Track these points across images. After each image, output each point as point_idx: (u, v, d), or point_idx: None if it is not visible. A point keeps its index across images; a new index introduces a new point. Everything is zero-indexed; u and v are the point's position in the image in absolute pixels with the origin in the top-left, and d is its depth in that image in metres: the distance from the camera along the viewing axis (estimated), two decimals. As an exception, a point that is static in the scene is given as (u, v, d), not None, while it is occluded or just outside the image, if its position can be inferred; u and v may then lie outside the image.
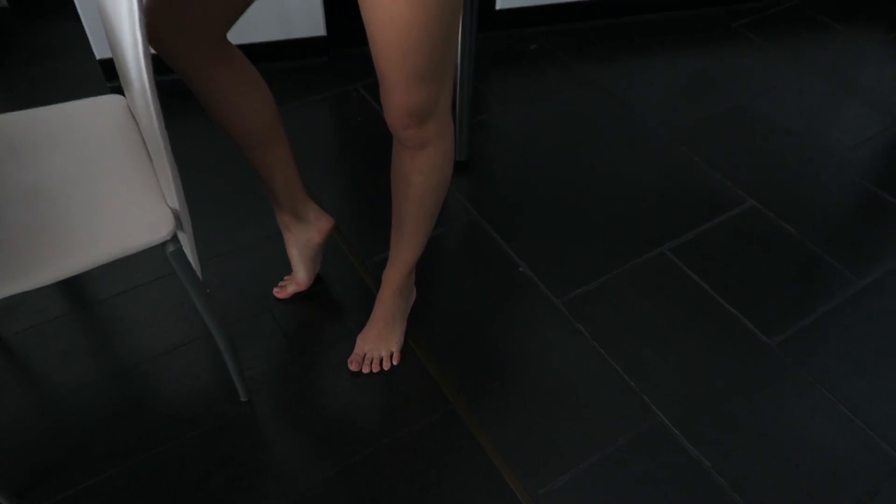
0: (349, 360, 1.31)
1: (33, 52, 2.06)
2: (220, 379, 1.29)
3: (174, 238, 0.93)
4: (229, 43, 1.03)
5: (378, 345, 1.32)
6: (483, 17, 2.15)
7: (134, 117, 1.08)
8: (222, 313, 1.38)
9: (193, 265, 1.02)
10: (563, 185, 1.69)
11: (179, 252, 0.94)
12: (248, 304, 1.41)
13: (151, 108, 0.81)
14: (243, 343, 1.35)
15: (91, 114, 1.09)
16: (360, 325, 1.36)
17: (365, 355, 1.31)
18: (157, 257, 1.31)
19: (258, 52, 1.98)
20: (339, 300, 1.43)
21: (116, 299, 1.42)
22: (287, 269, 1.44)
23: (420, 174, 1.08)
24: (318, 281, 1.45)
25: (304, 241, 1.35)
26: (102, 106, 1.11)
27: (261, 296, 1.43)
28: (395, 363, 1.32)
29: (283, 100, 1.92)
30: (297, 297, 1.43)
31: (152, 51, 0.82)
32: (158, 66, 0.87)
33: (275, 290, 1.42)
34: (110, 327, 1.38)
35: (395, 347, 1.32)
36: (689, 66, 2.08)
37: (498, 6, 2.16)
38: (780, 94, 1.98)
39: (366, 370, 1.30)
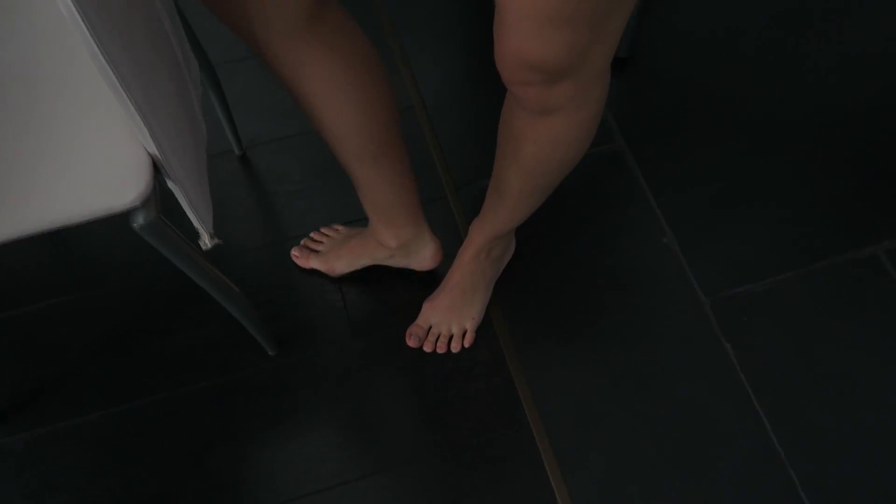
0: (408, 332, 1.00)
1: None
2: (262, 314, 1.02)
3: (149, 201, 0.61)
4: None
5: (449, 318, 1.00)
6: None
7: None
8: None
9: (198, 222, 0.70)
10: (755, 119, 1.20)
11: (154, 226, 0.62)
12: (299, 224, 1.11)
13: (90, 37, 0.45)
14: (288, 281, 1.07)
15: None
16: (438, 275, 1.03)
17: (430, 329, 1.00)
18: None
19: None
20: (415, 234, 1.10)
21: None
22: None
23: (535, 145, 0.69)
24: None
25: (384, 261, 1.02)
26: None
27: (314, 221, 1.12)
28: (466, 346, 1.00)
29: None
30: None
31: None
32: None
33: (294, 250, 1.06)
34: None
35: (471, 325, 1.00)
36: None
37: None
38: None
39: (428, 349, 1.00)
